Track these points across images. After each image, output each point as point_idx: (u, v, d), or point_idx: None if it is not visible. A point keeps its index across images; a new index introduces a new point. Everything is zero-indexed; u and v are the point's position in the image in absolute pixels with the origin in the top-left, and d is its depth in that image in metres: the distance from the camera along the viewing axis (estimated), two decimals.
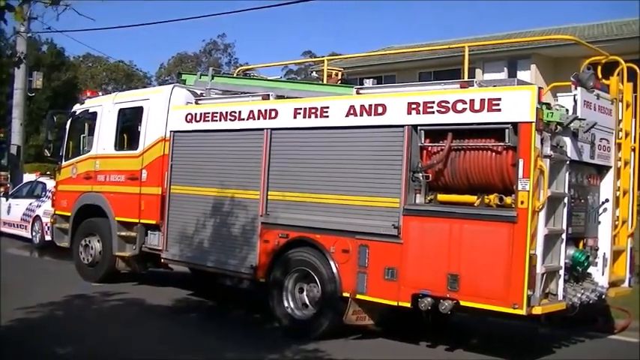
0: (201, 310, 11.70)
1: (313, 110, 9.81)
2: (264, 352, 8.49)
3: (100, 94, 15.96)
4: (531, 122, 7.78)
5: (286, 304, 9.80)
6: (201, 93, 12.10)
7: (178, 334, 9.67)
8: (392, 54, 28.93)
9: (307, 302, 9.70)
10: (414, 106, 8.76)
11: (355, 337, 9.47)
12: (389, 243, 8.76)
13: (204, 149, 11.36)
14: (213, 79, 12.18)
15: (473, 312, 8.60)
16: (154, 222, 12.13)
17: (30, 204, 20.38)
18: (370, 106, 9.20)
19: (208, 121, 11.23)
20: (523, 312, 7.70)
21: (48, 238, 17.64)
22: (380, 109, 9.09)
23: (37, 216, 19.70)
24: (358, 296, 9.04)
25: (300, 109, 9.98)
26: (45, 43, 48.57)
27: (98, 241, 13.40)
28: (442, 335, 9.60)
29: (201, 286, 13.19)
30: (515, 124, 7.92)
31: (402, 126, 8.81)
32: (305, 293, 9.72)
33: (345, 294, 9.13)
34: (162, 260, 12.05)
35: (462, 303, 8.16)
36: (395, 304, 8.72)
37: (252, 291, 12.09)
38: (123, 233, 12.78)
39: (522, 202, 7.78)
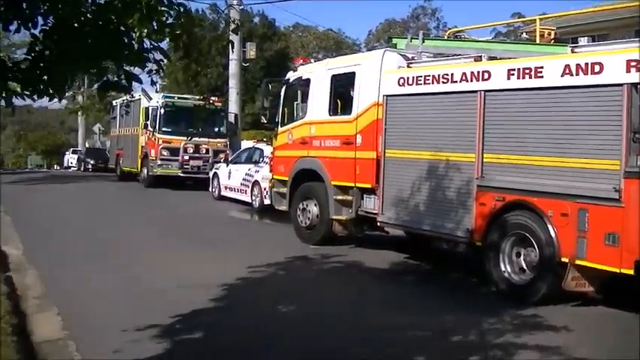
0: (418, 273, 11.79)
1: (527, 71, 9.54)
2: (482, 315, 8.45)
3: (312, 61, 16.35)
4: None
5: (503, 268, 9.69)
6: (412, 57, 12.11)
7: (397, 295, 9.87)
8: (608, 9, 27.19)
9: (524, 267, 9.54)
10: (633, 63, 8.26)
11: (574, 304, 9.19)
12: (610, 207, 8.37)
13: (418, 113, 11.40)
14: (424, 42, 12.16)
15: None
16: (369, 186, 12.35)
17: (249, 169, 21.21)
18: (586, 64, 8.79)
19: (421, 84, 11.23)
20: None
21: (267, 202, 18.42)
22: (597, 68, 8.66)
23: (256, 181, 20.45)
24: (577, 262, 8.75)
25: (514, 69, 9.73)
26: (256, 15, 50.44)
27: (315, 204, 13.79)
28: None
29: (417, 249, 13.29)
30: None
31: (621, 85, 8.37)
32: (522, 257, 9.56)
33: (564, 259, 8.87)
34: (378, 224, 12.29)
35: None
36: (617, 271, 8.34)
37: (467, 255, 12.04)
38: (339, 197, 13.09)
39: None
